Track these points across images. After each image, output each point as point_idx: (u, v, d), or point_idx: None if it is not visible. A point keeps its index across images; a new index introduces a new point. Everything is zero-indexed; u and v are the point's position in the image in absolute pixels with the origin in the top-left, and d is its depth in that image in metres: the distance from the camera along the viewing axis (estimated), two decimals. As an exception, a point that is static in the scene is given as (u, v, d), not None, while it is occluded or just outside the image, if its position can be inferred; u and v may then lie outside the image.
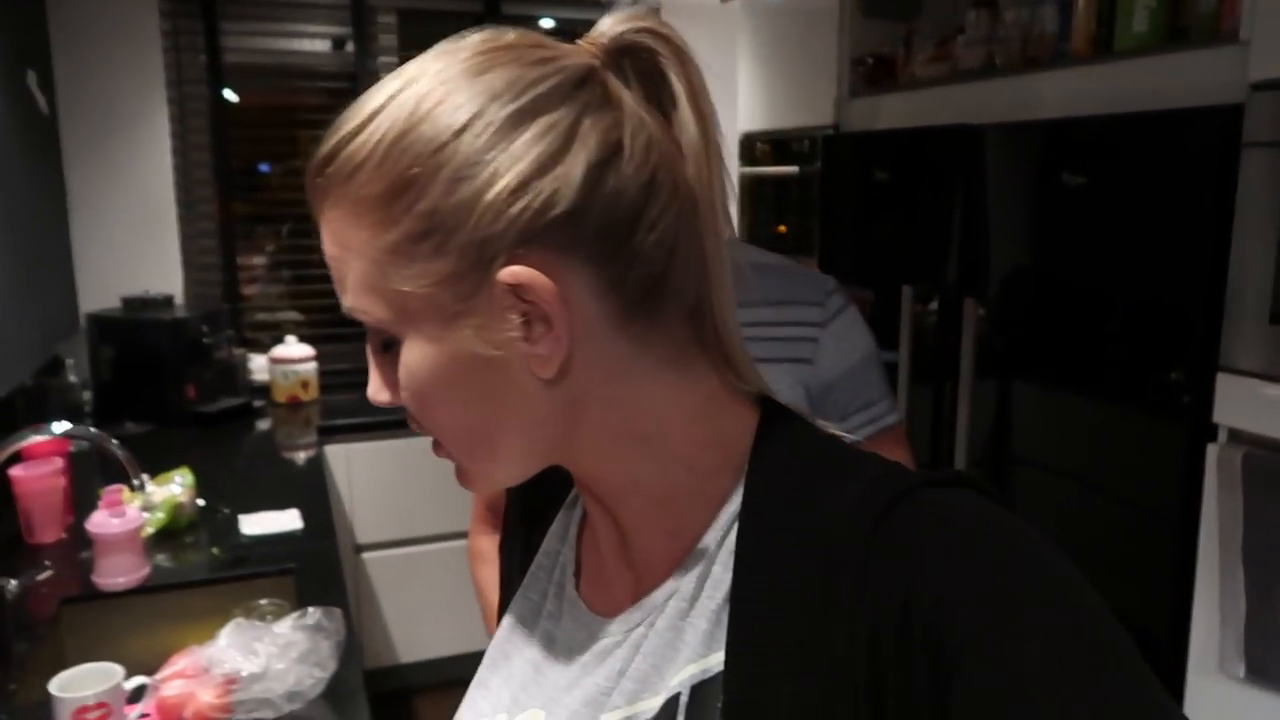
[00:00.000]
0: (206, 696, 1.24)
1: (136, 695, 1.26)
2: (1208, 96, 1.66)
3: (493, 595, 1.07)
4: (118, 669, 1.19)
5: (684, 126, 0.51)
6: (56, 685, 1.15)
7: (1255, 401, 1.65)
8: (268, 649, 1.29)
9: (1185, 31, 1.78)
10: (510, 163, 0.47)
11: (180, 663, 1.28)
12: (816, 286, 1.19)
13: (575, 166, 0.47)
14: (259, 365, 2.98)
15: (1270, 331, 1.61)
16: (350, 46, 3.06)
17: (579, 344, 0.50)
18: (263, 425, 2.78)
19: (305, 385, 2.89)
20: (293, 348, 2.89)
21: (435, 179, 0.47)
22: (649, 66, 0.52)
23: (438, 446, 0.54)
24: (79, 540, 1.83)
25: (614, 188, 0.48)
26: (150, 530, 1.82)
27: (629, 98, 0.51)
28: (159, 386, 2.61)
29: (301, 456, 2.55)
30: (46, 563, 1.73)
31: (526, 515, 0.69)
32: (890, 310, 2.40)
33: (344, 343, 3.16)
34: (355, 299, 0.51)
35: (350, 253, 0.50)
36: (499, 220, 0.47)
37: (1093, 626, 0.44)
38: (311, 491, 2.20)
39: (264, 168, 3.13)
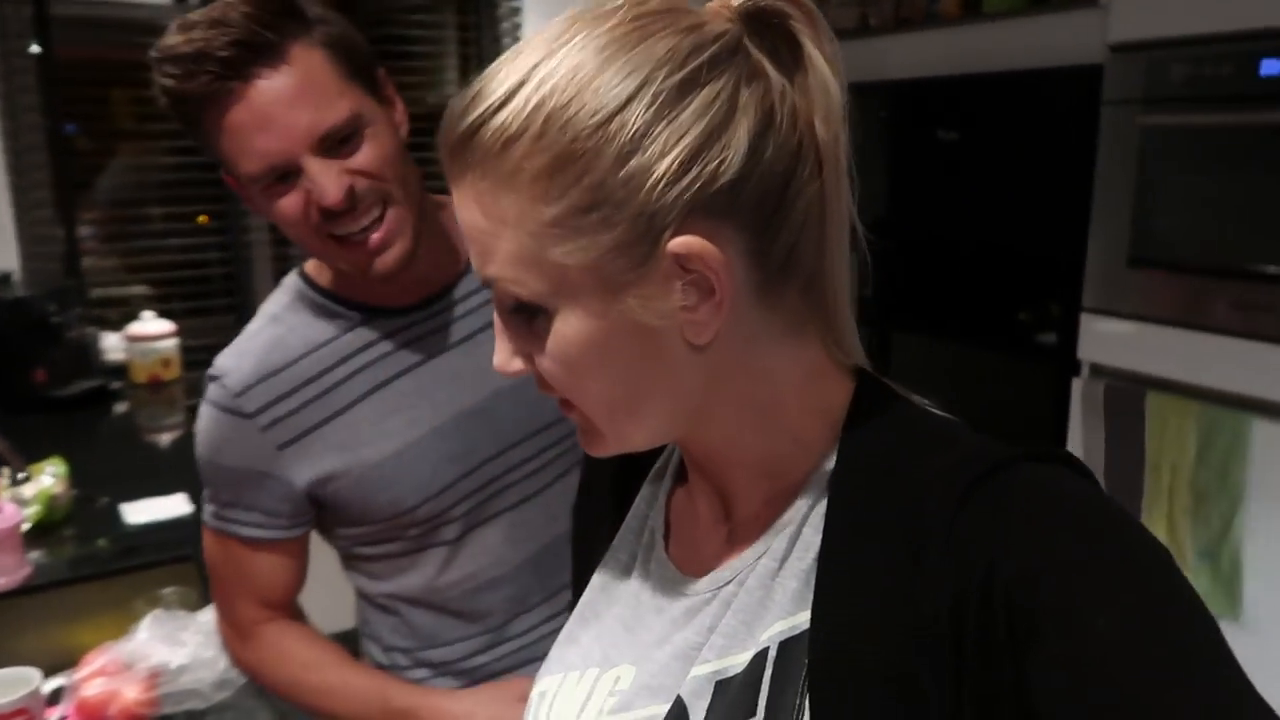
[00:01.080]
0: (131, 693, 1.17)
1: (54, 698, 1.18)
2: (1070, 57, 1.79)
3: (343, 672, 1.03)
4: (35, 672, 1.11)
5: (818, 91, 0.51)
6: (-32, 695, 1.06)
7: (1114, 338, 1.81)
8: (194, 638, 1.23)
9: (1046, -5, 1.91)
10: (679, 135, 0.47)
11: (99, 660, 1.21)
12: None
13: (740, 136, 0.48)
14: (112, 344, 2.78)
15: (1127, 274, 1.77)
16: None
17: (730, 311, 0.50)
18: (121, 408, 2.60)
19: (167, 363, 2.71)
20: (150, 324, 2.71)
21: (603, 153, 0.46)
22: (782, 31, 0.51)
23: (568, 407, 0.54)
24: (-60, 542, 1.67)
25: (769, 157, 0.49)
26: (25, 526, 1.69)
27: (767, 63, 0.50)
28: (5, 371, 2.39)
29: (170, 438, 2.40)
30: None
31: (616, 484, 0.69)
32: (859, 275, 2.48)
33: (205, 316, 2.98)
34: (506, 270, 0.50)
35: (504, 225, 0.49)
36: (670, 191, 0.47)
37: (1177, 607, 0.44)
38: (194, 474, 2.08)
39: (70, 129, 2.87)
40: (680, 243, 0.48)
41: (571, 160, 0.47)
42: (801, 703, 0.50)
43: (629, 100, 0.47)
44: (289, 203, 0.88)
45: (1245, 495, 1.66)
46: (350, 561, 1.10)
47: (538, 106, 0.47)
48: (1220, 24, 1.53)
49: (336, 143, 0.87)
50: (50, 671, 1.21)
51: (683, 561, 0.62)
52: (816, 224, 0.53)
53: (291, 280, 1.02)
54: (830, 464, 0.55)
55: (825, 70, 0.51)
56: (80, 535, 1.74)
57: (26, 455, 1.82)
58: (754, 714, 0.52)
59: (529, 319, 0.51)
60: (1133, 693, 0.41)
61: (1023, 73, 1.88)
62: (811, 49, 0.51)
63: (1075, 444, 1.90)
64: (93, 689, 1.17)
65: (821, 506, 0.54)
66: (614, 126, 0.46)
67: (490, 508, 1.02)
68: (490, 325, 0.58)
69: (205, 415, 1.00)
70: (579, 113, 0.47)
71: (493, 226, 0.49)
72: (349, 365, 0.98)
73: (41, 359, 2.44)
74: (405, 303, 0.99)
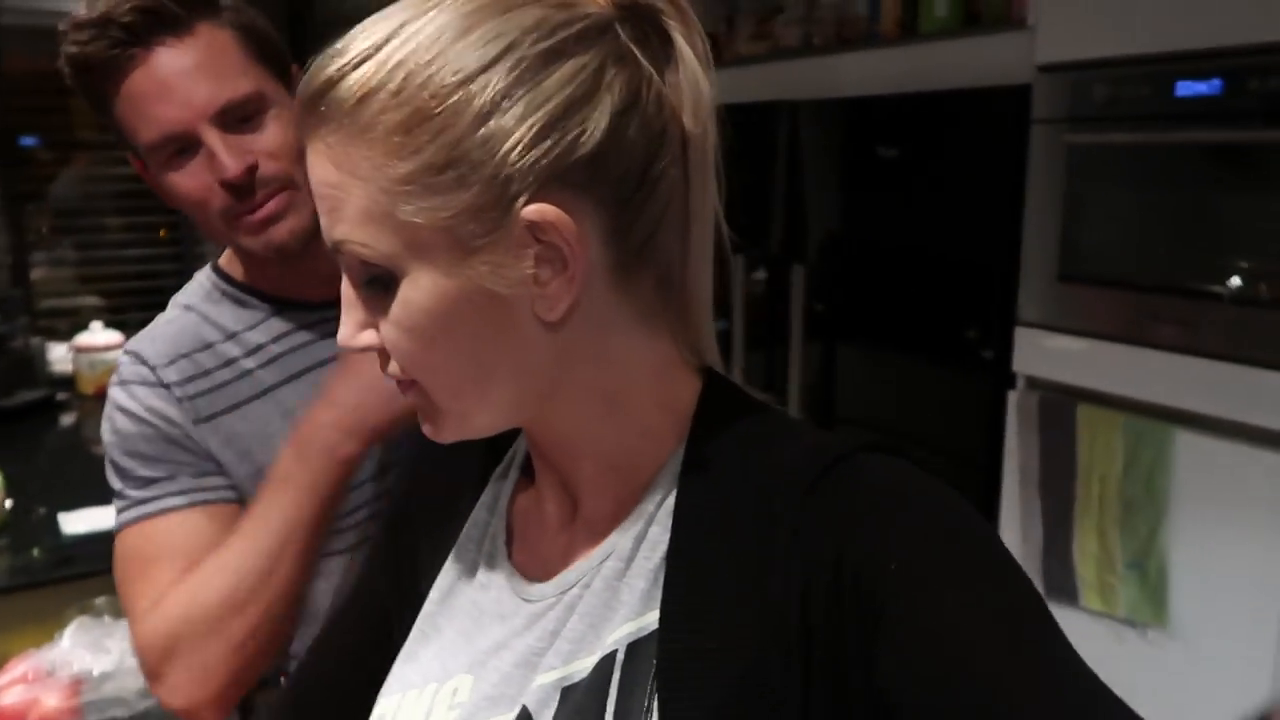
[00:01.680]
0: (52, 701, 1.17)
1: (-28, 707, 1.17)
2: (1000, 77, 1.83)
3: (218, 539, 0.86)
4: (-50, 680, 1.10)
5: (687, 85, 0.51)
6: (-120, 703, 1.05)
7: (1048, 351, 1.85)
8: (119, 645, 1.22)
9: (979, 17, 1.95)
10: (540, 101, 0.47)
11: (19, 668, 1.20)
12: None
13: (603, 112, 0.48)
14: (58, 355, 2.75)
15: (1058, 288, 1.81)
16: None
17: (581, 292, 0.50)
18: (68, 419, 2.57)
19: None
20: (98, 335, 2.68)
21: (462, 112, 0.46)
22: (654, 26, 0.52)
23: (410, 387, 0.53)
24: None
25: (630, 139, 0.49)
26: (-44, 535, 1.67)
27: (637, 52, 0.51)
28: (-55, 381, 2.37)
29: (116, 450, 2.38)
30: None
31: (451, 491, 0.67)
32: (721, 279, 2.51)
33: (154, 328, 2.97)
34: (354, 229, 0.49)
35: (355, 180, 0.48)
36: (526, 158, 0.46)
37: (1010, 581, 0.47)
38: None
39: (27, 141, 2.85)
40: (534, 209, 0.47)
41: (428, 117, 0.46)
42: (651, 704, 0.49)
43: (493, 62, 0.46)
44: (188, 178, 0.87)
45: (1170, 505, 1.69)
46: None
47: (399, 64, 0.47)
48: (1139, 46, 1.58)
49: (237, 120, 0.87)
50: (-27, 681, 1.20)
51: (526, 566, 0.61)
52: (679, 217, 0.53)
53: (204, 273, 1.03)
54: (678, 460, 0.55)
55: (695, 65, 0.52)
56: (15, 545, 1.73)
57: (-37, 465, 1.81)
58: (602, 719, 0.51)
59: (380, 289, 0.50)
60: (979, 668, 0.43)
61: (957, 92, 1.92)
62: (682, 44, 0.51)
63: (1011, 455, 1.94)
64: (11, 696, 1.16)
65: (669, 504, 0.54)
66: (475, 87, 0.46)
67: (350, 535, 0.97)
68: None
69: (120, 395, 0.97)
70: (440, 70, 0.46)
71: (343, 180, 0.48)
72: (261, 355, 0.98)
73: (-17, 369, 2.41)
74: (319, 298, 0.98)
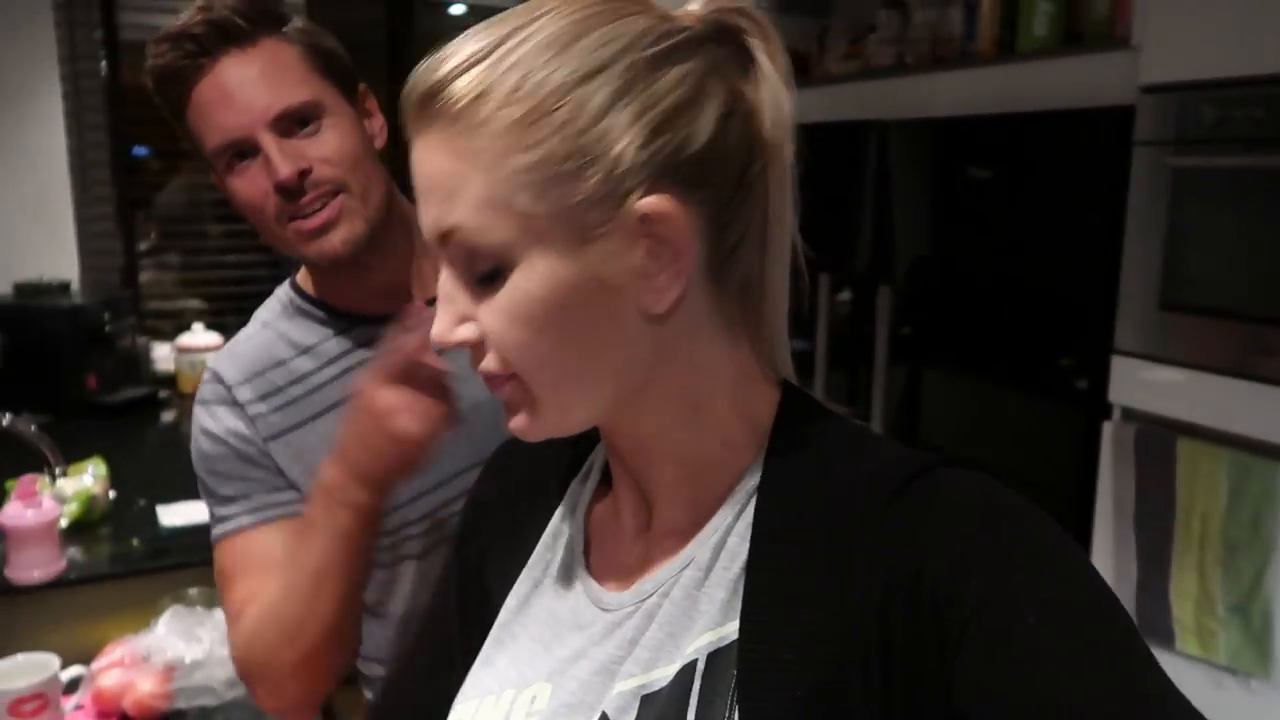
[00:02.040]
0: (146, 685, 1.21)
1: (72, 686, 1.22)
2: (1102, 98, 1.78)
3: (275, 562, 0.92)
4: (54, 659, 1.16)
5: (768, 101, 0.53)
6: (-11, 678, 1.11)
7: (1147, 382, 1.78)
8: (211, 634, 1.27)
9: (1081, 35, 1.90)
10: (653, 101, 0.49)
11: (116, 652, 1.25)
12: None
13: (708, 114, 0.50)
14: (162, 355, 2.88)
15: (1159, 317, 1.75)
16: (257, 26, 2.97)
17: (686, 285, 0.52)
18: (168, 416, 2.68)
19: (213, 375, 2.80)
20: (199, 336, 2.80)
21: (584, 107, 0.48)
22: (737, 46, 0.54)
23: (507, 381, 0.53)
24: (-18, 535, 1.74)
25: (731, 142, 0.52)
26: (63, 523, 1.75)
27: (727, 68, 0.53)
28: (57, 377, 2.49)
29: (212, 447, 2.47)
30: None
31: (529, 501, 0.68)
32: (807, 299, 2.49)
33: (251, 331, 3.08)
34: (470, 216, 0.50)
35: (474, 169, 0.49)
36: (642, 153, 0.49)
37: (1096, 603, 0.46)
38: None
39: (140, 151, 2.99)
40: (650, 201, 0.49)
41: (549, 111, 0.48)
42: (731, 714, 0.49)
43: (609, 63, 0.49)
44: (247, 183, 0.92)
45: (1277, 547, 1.61)
46: None
47: (515, 64, 0.49)
48: (1251, 67, 1.52)
49: (294, 124, 0.91)
50: (75, 662, 1.25)
51: (604, 575, 0.61)
52: (759, 227, 0.54)
53: (283, 288, 1.07)
54: (756, 472, 0.55)
55: (777, 82, 0.54)
56: (116, 534, 1.80)
57: (72, 457, 1.89)
58: None
59: (486, 279, 0.51)
60: (1058, 691, 0.42)
61: (1055, 113, 1.88)
62: (765, 61, 0.54)
63: (1105, 489, 1.87)
64: (109, 679, 1.21)
65: (747, 515, 0.54)
66: (593, 85, 0.49)
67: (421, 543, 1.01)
68: None
69: (202, 415, 1.02)
70: (559, 69, 0.49)
71: (461, 168, 0.50)
72: (333, 368, 1.01)
73: (93, 366, 2.53)
74: (376, 311, 1.00)
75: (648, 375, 0.54)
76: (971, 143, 2.06)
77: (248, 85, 0.90)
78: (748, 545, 0.53)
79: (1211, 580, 1.72)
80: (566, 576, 0.63)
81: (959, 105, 2.11)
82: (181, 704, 1.23)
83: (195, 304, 3.08)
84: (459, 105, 0.50)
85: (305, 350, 1.02)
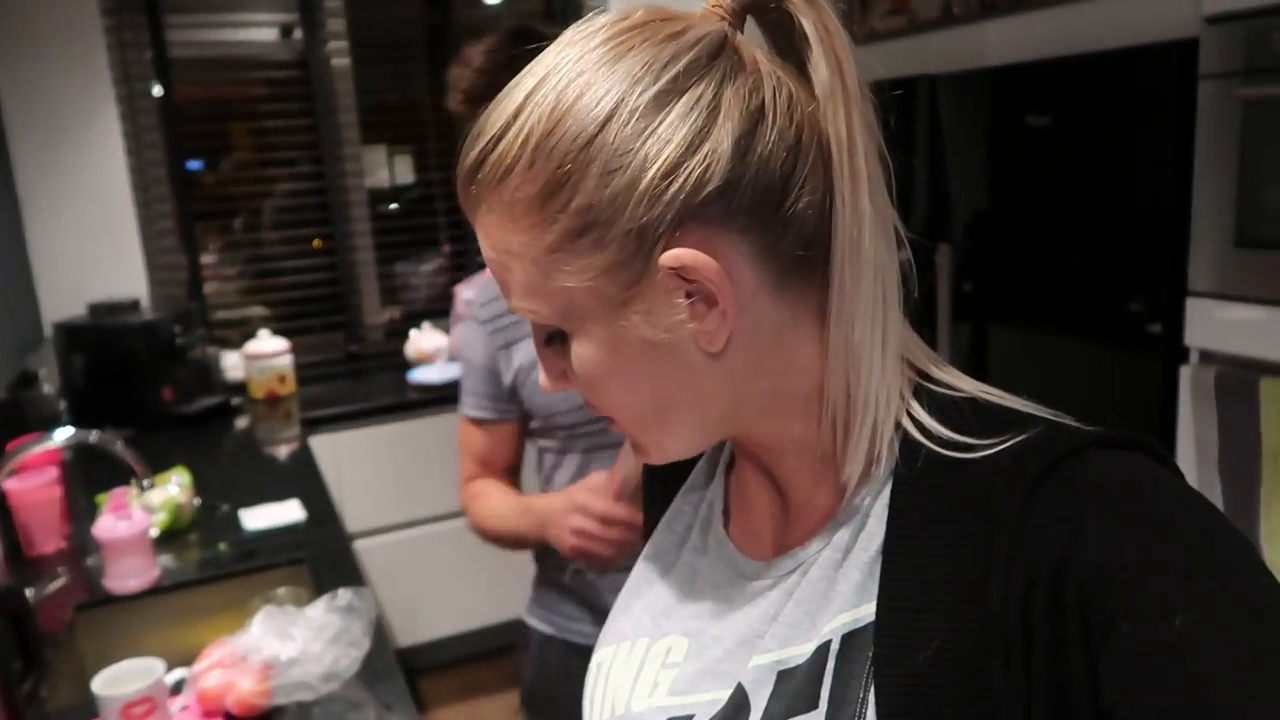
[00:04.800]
0: (246, 684, 1.25)
1: (176, 689, 1.27)
2: (1163, 32, 1.72)
3: (501, 499, 1.38)
4: (158, 664, 1.20)
5: (817, 70, 0.50)
6: (100, 684, 1.15)
7: (1223, 322, 1.73)
8: (303, 633, 1.30)
9: (1136, -30, 1.83)
10: (659, 147, 0.47)
11: (216, 654, 1.29)
12: None
13: (723, 140, 0.47)
14: (231, 363, 2.95)
15: (1234, 254, 1.69)
16: (298, 34, 3.02)
17: (742, 315, 0.50)
18: (242, 422, 2.75)
19: (282, 379, 2.87)
20: (266, 342, 2.87)
21: (587, 174, 0.47)
22: (779, 16, 0.51)
23: (612, 422, 0.55)
24: (80, 547, 1.81)
25: (762, 155, 0.48)
26: (153, 533, 1.81)
27: (762, 57, 0.51)
28: (136, 391, 2.57)
29: (287, 449, 2.53)
30: (59, 570, 1.71)
31: (666, 471, 0.69)
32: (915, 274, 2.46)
33: (314, 334, 3.14)
34: (521, 300, 0.51)
35: (511, 257, 0.50)
36: (655, 205, 0.47)
37: (1256, 597, 0.42)
38: (306, 481, 2.20)
39: (194, 164, 3.05)
40: (671, 255, 0.47)
41: (560, 185, 0.47)
42: (866, 695, 0.49)
43: (607, 120, 0.47)
44: None
45: (1374, 484, 1.56)
46: (539, 459, 1.46)
47: (527, 137, 0.48)
48: (1322, -13, 1.45)
49: None
50: (174, 664, 1.29)
51: (741, 542, 0.61)
52: (826, 215, 0.50)
53: None
54: (894, 450, 0.53)
55: (830, 47, 0.49)
56: (204, 540, 1.86)
57: (155, 468, 1.96)
58: (816, 706, 0.51)
59: (551, 341, 0.53)
60: (1206, 696, 0.39)
61: (1114, 52, 1.82)
62: (809, 28, 0.50)
63: (1186, 434, 1.82)
64: (211, 680, 1.25)
65: (884, 497, 0.53)
66: (595, 147, 0.47)
67: (603, 437, 1.32)
68: None
69: (457, 328, 1.24)
70: (562, 139, 0.47)
71: (504, 259, 0.51)
72: None
73: (169, 378, 2.61)
74: None
75: (733, 398, 0.53)
76: (1026, 91, 2.00)
77: None
78: (884, 528, 0.52)
79: (1304, 522, 1.66)
80: (704, 534, 0.64)
81: (1011, 53, 2.05)
82: (280, 700, 1.26)
83: (259, 311, 3.15)
84: (489, 190, 0.50)
85: None
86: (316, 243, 3.16)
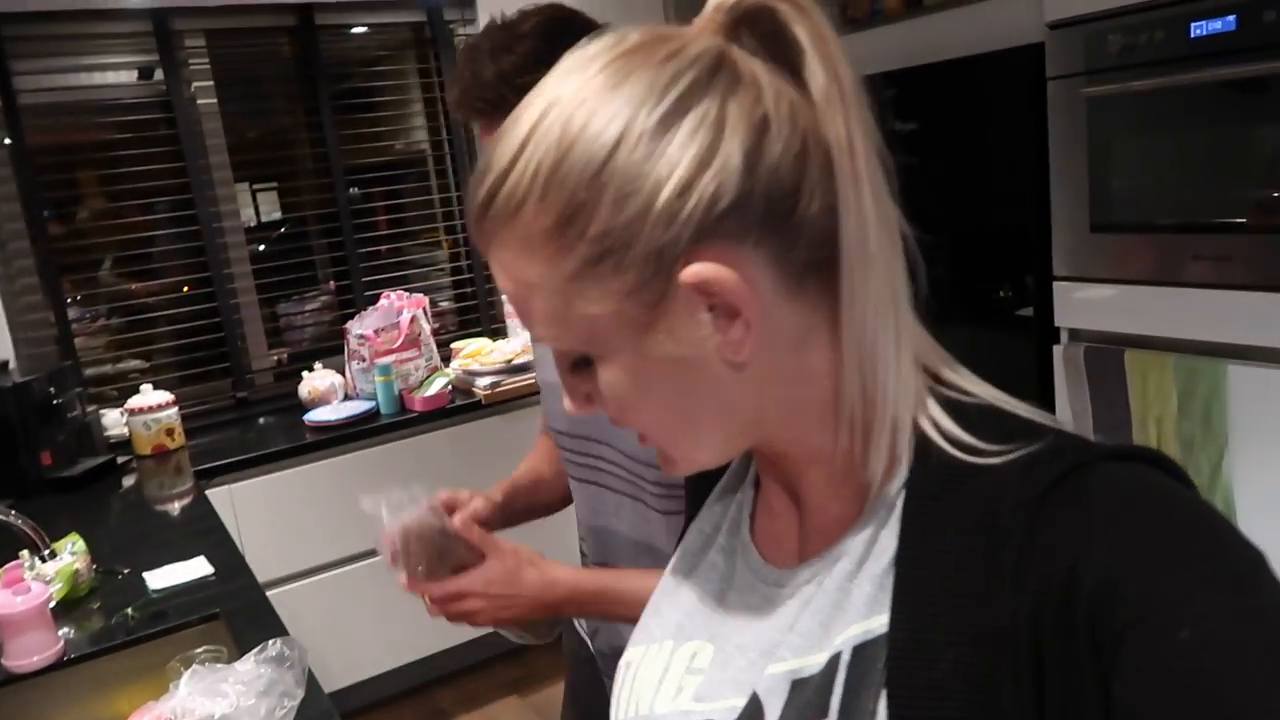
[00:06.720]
0: (179, 748, 1.21)
1: (105, 762, 1.21)
2: (1011, 39, 1.86)
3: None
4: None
5: (813, 76, 0.50)
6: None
7: (1088, 302, 1.87)
8: (235, 688, 1.26)
9: (981, -18, 1.97)
10: (669, 168, 0.47)
11: (144, 719, 1.24)
12: None
13: (732, 154, 0.48)
14: (112, 420, 2.81)
15: (1091, 239, 1.83)
16: (160, 74, 2.91)
17: (762, 323, 0.50)
18: (129, 481, 2.63)
19: (170, 432, 2.75)
20: (149, 396, 2.74)
21: (600, 201, 0.47)
22: (772, 26, 0.51)
23: (642, 438, 0.56)
24: (-30, 628, 1.70)
25: (771, 165, 0.49)
26: (51, 603, 1.72)
27: (760, 68, 0.51)
28: (11, 457, 2.42)
29: (182, 504, 2.43)
30: (-52, 656, 1.60)
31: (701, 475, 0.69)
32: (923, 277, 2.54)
33: (198, 383, 3.03)
34: (543, 329, 0.51)
35: (530, 289, 0.50)
36: (672, 225, 0.47)
37: (1267, 611, 0.41)
38: (209, 535, 2.12)
39: (52, 215, 2.90)
40: (691, 272, 0.48)
41: (574, 214, 0.48)
42: (875, 706, 0.49)
43: (616, 146, 0.47)
44: None
45: (1229, 439, 1.71)
46: None
47: (537, 168, 0.48)
48: (1148, -7, 1.60)
49: None
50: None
51: (765, 549, 0.62)
52: (833, 220, 0.51)
53: None
54: (905, 464, 0.53)
55: (825, 53, 0.50)
56: (107, 606, 1.77)
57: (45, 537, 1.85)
58: (826, 715, 0.51)
59: (577, 367, 0.54)
60: (1218, 711, 0.39)
61: (969, 58, 1.95)
62: (802, 36, 0.50)
63: (1063, 408, 1.96)
64: (142, 748, 1.20)
65: (897, 509, 0.53)
66: (606, 174, 0.47)
67: (582, 470, 1.27)
68: None
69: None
70: (572, 168, 0.48)
71: (523, 291, 0.51)
72: None
73: (46, 441, 2.47)
74: None
75: (759, 406, 0.54)
76: (894, 97, 2.12)
77: None
78: (896, 541, 0.52)
79: (1174, 480, 1.81)
80: (733, 534, 0.65)
81: (874, 63, 2.16)
82: (216, 761, 1.23)
83: (138, 364, 3.02)
84: (503, 224, 0.50)
85: None
86: (185, 289, 3.05)
